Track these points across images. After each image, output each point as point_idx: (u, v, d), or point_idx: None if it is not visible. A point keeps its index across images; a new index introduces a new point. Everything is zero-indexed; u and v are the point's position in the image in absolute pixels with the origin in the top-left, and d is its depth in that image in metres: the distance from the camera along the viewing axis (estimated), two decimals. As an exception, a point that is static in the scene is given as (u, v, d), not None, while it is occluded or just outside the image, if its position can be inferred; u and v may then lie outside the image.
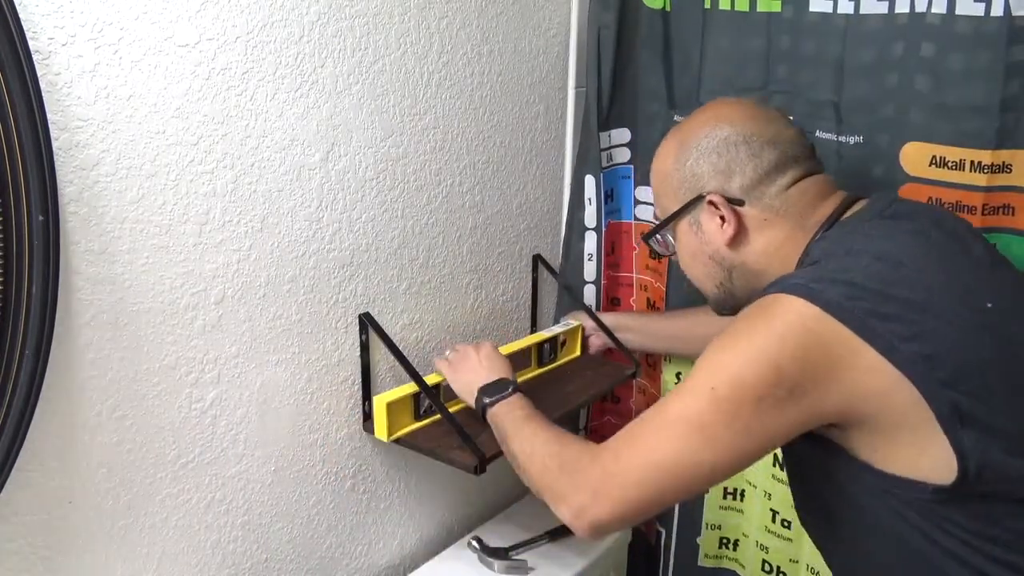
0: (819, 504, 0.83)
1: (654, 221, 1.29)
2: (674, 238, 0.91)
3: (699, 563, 1.29)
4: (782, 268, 0.81)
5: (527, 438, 0.85)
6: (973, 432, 0.66)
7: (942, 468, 0.68)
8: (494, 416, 0.92)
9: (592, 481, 0.74)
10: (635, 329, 1.23)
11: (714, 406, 0.69)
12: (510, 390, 0.94)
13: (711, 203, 0.84)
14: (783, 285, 0.72)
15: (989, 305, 0.71)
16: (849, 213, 0.81)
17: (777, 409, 0.69)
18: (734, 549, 1.28)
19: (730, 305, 0.90)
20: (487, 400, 0.93)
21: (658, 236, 0.92)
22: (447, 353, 1.05)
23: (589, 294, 1.31)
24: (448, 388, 1.06)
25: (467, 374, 0.99)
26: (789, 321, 0.69)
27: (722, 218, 0.83)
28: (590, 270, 1.30)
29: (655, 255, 0.92)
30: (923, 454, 0.68)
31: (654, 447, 0.72)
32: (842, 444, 0.73)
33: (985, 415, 0.67)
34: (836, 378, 0.68)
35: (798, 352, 0.68)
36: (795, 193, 0.83)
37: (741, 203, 0.83)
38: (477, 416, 0.95)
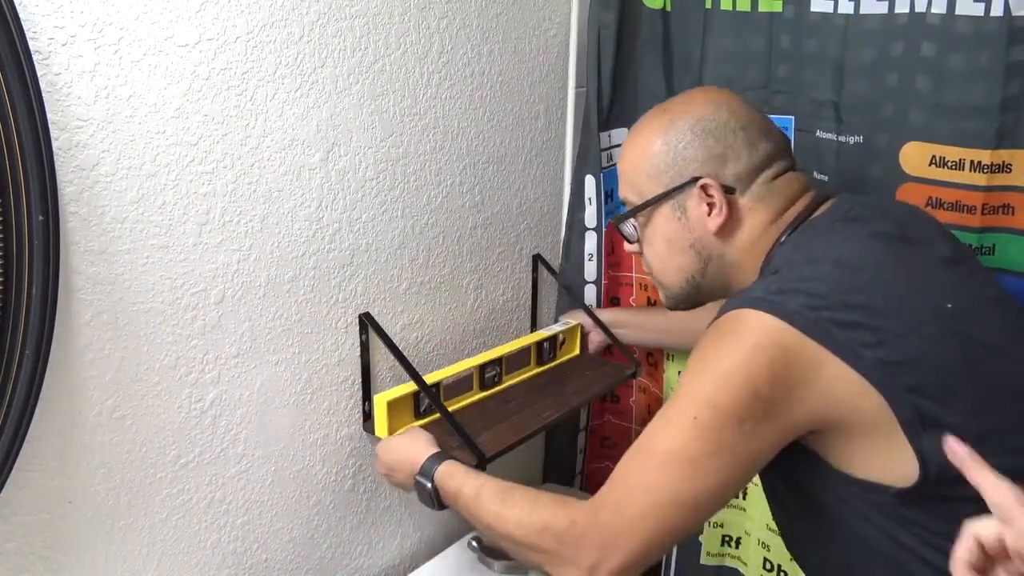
0: (788, 507, 0.83)
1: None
2: (645, 224, 0.87)
3: (701, 561, 1.29)
4: (754, 263, 0.82)
5: (495, 518, 0.78)
6: (934, 435, 0.66)
7: (904, 471, 0.68)
8: (450, 503, 0.86)
9: (597, 540, 0.71)
10: (632, 325, 1.23)
11: (699, 436, 0.69)
12: (432, 470, 0.86)
13: (703, 188, 0.81)
14: (744, 300, 0.72)
15: (949, 306, 0.71)
16: (816, 214, 0.81)
17: (759, 428, 0.69)
18: (736, 547, 1.28)
19: (692, 302, 0.89)
20: (429, 488, 0.86)
21: (633, 220, 0.89)
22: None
23: (590, 294, 1.31)
24: (448, 388, 1.07)
25: (400, 477, 0.92)
26: (755, 338, 0.69)
27: (710, 205, 0.82)
28: (590, 270, 1.30)
29: (626, 240, 0.90)
30: (888, 458, 0.69)
31: (650, 489, 0.70)
32: (814, 449, 0.73)
33: (947, 417, 0.67)
34: (807, 389, 0.68)
35: (768, 368, 0.68)
36: (780, 185, 0.82)
37: (732, 191, 0.81)
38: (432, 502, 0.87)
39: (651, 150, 0.84)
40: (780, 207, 0.82)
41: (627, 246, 0.92)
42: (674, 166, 0.83)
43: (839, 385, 0.68)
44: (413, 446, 0.91)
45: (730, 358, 0.70)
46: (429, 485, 0.86)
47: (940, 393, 0.68)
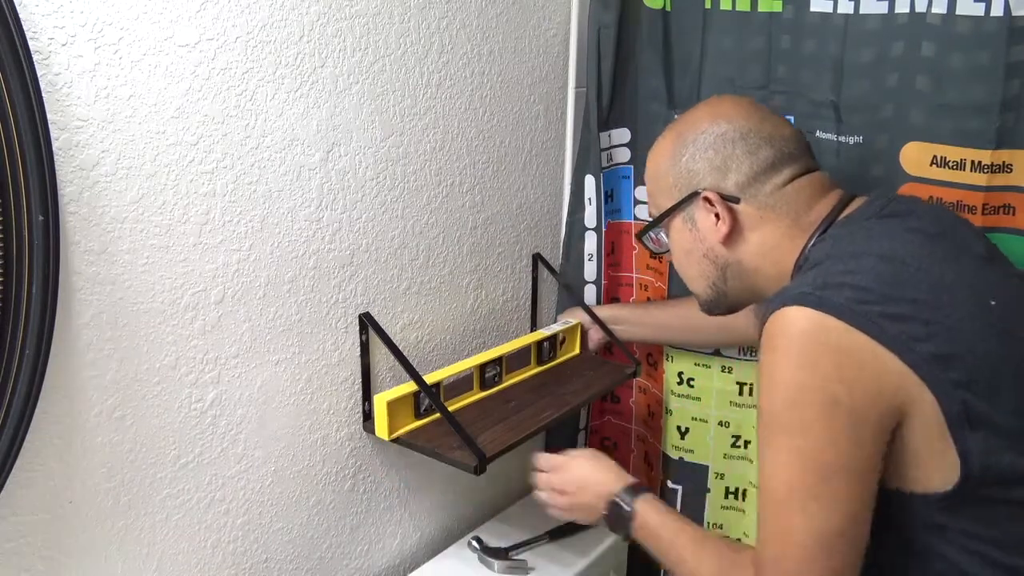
0: None
1: (648, 220, 1.31)
2: (668, 236, 0.90)
3: None
4: (776, 267, 0.81)
5: (693, 564, 0.80)
6: (979, 433, 0.66)
7: (946, 475, 0.67)
8: (638, 537, 0.88)
9: None
10: (630, 320, 1.23)
11: (809, 463, 0.67)
12: (630, 509, 0.87)
13: (706, 199, 0.83)
14: (788, 296, 0.70)
15: (993, 303, 0.70)
16: (847, 212, 0.80)
17: (856, 435, 0.66)
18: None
19: (723, 305, 0.89)
20: (622, 530, 0.89)
21: (652, 234, 0.92)
22: (545, 494, 0.97)
23: (590, 294, 1.31)
24: (448, 387, 1.07)
25: (579, 512, 0.94)
26: (810, 340, 0.67)
27: (717, 215, 0.83)
28: (590, 270, 1.30)
29: (654, 254, 0.91)
30: (930, 465, 0.68)
31: (793, 532, 0.67)
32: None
33: (992, 415, 0.66)
34: (883, 385, 0.66)
35: (838, 372, 0.66)
36: (791, 191, 0.82)
37: (736, 200, 0.82)
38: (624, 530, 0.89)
39: (662, 167, 0.88)
40: (796, 211, 0.81)
41: (665, 255, 0.96)
42: (681, 180, 0.85)
43: (895, 380, 0.66)
44: (604, 473, 0.92)
45: (789, 370, 0.68)
46: (628, 509, 0.87)
47: (987, 389, 0.66)
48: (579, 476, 0.93)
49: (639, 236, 0.94)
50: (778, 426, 0.69)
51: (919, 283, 0.69)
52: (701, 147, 0.83)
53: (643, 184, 1.27)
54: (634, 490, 0.89)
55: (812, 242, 0.79)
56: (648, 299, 1.31)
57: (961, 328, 0.67)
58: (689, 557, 0.80)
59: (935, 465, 0.67)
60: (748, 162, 0.81)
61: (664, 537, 0.84)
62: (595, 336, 1.25)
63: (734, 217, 0.82)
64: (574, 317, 1.26)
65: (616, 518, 0.89)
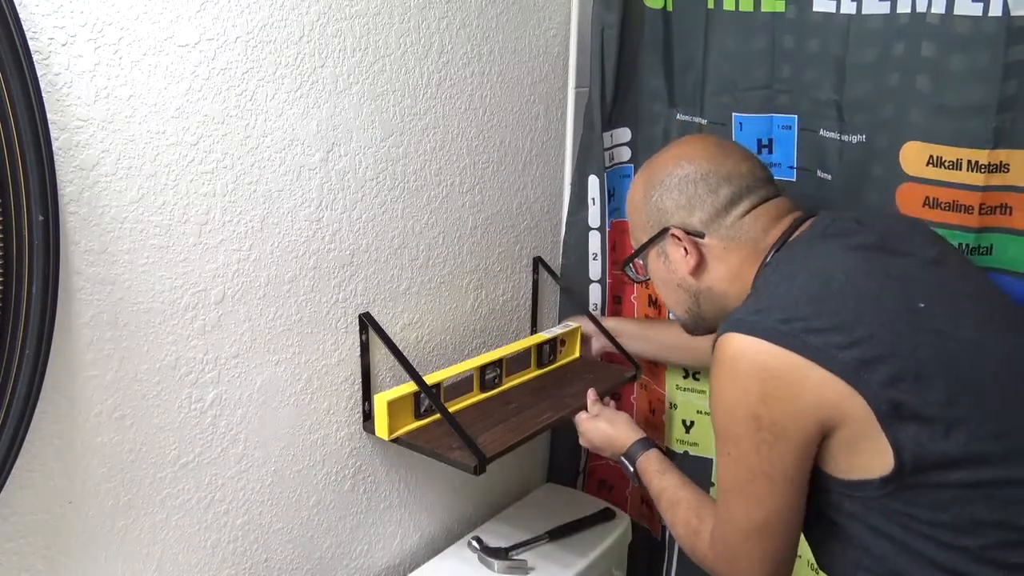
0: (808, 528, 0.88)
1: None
2: (646, 266, 0.98)
3: None
4: (741, 290, 0.88)
5: (668, 521, 0.94)
6: (910, 425, 0.71)
7: (883, 463, 0.72)
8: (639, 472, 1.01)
9: (724, 567, 0.84)
10: (634, 335, 1.24)
11: (738, 469, 0.78)
12: (636, 457, 1.01)
13: (674, 235, 0.91)
14: (727, 323, 0.78)
15: (922, 305, 0.76)
16: (796, 234, 0.86)
17: (777, 448, 0.75)
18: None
19: (702, 327, 0.97)
20: (632, 471, 1.02)
21: (632, 264, 1.00)
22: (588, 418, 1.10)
23: (595, 293, 1.31)
24: (448, 388, 1.07)
25: (606, 446, 1.08)
26: (739, 364, 0.75)
27: (685, 249, 0.90)
28: (595, 269, 1.30)
29: (635, 282, 1.03)
30: (868, 454, 0.73)
31: (732, 520, 0.81)
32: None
33: (922, 408, 0.71)
34: (800, 400, 0.73)
35: (758, 390, 0.74)
36: (749, 221, 0.89)
37: (701, 235, 0.90)
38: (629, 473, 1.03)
39: (637, 204, 0.96)
40: (755, 238, 0.88)
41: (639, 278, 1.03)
42: (653, 217, 0.93)
43: (825, 391, 0.72)
44: (616, 430, 1.06)
45: (726, 390, 0.77)
46: (632, 469, 1.02)
47: (915, 386, 0.72)
48: (600, 436, 1.07)
49: (621, 267, 1.02)
50: (719, 436, 0.80)
51: (844, 296, 0.75)
52: (668, 188, 0.91)
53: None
54: (640, 445, 1.02)
55: (764, 263, 0.87)
56: (649, 296, 1.31)
57: (885, 333, 0.73)
58: (668, 516, 0.93)
59: (872, 455, 0.73)
60: (710, 200, 0.89)
61: (652, 493, 0.98)
62: (596, 345, 1.26)
63: (699, 250, 0.90)
64: (576, 323, 1.26)
65: (626, 472, 1.03)
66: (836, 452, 0.76)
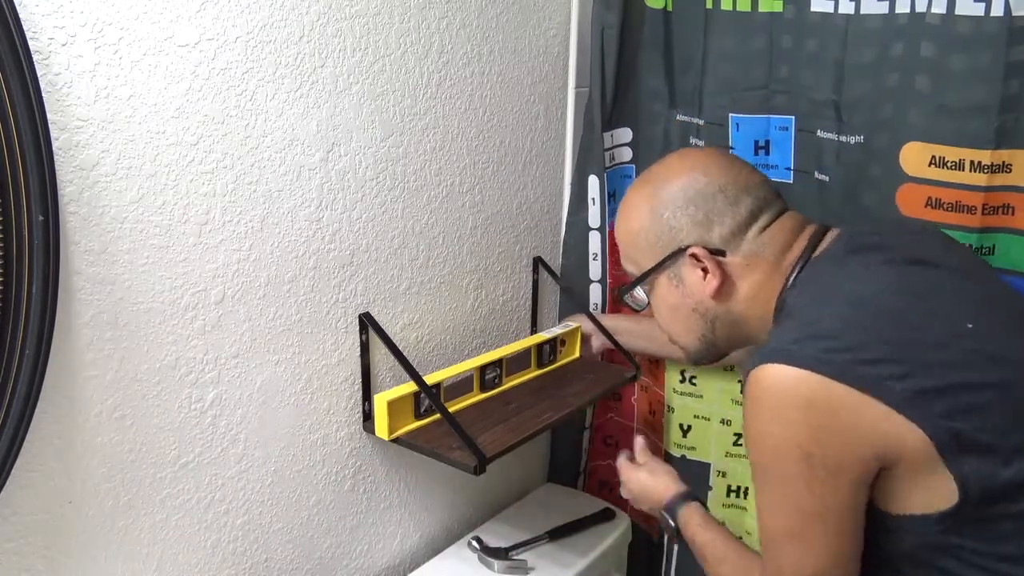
0: None
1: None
2: (649, 293, 0.89)
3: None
4: (761, 311, 0.82)
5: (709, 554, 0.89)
6: (972, 457, 0.66)
7: (945, 496, 0.68)
8: (685, 535, 0.95)
9: None
10: (634, 333, 1.23)
11: (790, 513, 0.72)
12: (676, 511, 0.96)
13: (693, 256, 0.82)
14: (763, 354, 0.72)
15: (969, 326, 0.72)
16: (819, 251, 0.81)
17: (831, 484, 0.69)
18: (735, 549, 1.28)
19: (712, 355, 0.90)
20: (672, 527, 0.97)
21: (633, 292, 0.91)
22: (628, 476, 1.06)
23: (595, 293, 1.31)
24: (448, 388, 1.07)
25: (645, 507, 1.04)
26: (786, 398, 0.69)
27: (703, 270, 0.82)
28: (595, 270, 1.30)
29: (633, 309, 0.95)
30: (929, 489, 0.68)
31: (785, 569, 0.74)
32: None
33: (981, 437, 0.67)
34: (852, 434, 0.68)
35: (813, 428, 0.68)
36: (768, 236, 0.82)
37: (723, 253, 0.82)
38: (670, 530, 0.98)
39: (640, 224, 0.86)
40: (776, 254, 0.82)
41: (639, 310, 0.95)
42: (663, 237, 0.84)
43: (882, 424, 0.67)
44: (657, 481, 1.01)
45: (769, 427, 0.70)
46: (672, 523, 0.96)
47: (973, 414, 0.67)
48: (639, 487, 1.03)
49: (620, 296, 0.93)
50: (763, 476, 0.74)
51: (891, 322, 0.71)
52: (681, 203, 0.83)
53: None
54: (682, 498, 0.96)
55: (788, 284, 0.80)
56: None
57: (937, 360, 0.69)
58: (712, 572, 0.87)
59: (932, 490, 0.68)
60: (730, 214, 0.82)
61: (695, 548, 0.91)
62: (596, 343, 1.25)
63: (722, 270, 0.82)
64: (576, 322, 1.26)
65: (666, 527, 0.98)
66: (892, 488, 0.70)
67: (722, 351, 0.89)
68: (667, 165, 0.88)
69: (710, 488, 1.26)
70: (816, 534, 0.71)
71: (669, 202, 0.83)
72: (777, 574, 0.75)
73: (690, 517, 0.93)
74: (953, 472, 0.66)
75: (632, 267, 0.90)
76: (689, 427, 1.26)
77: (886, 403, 0.66)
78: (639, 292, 0.90)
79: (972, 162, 0.97)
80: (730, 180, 0.82)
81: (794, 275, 0.80)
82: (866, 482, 0.70)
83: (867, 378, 0.67)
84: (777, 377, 0.69)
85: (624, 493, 1.06)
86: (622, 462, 1.07)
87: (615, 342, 1.22)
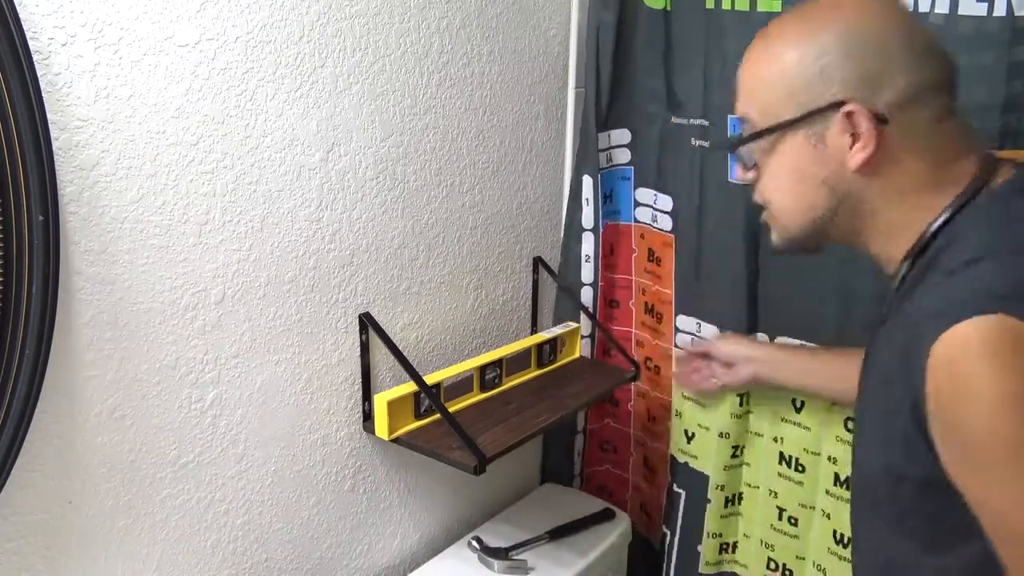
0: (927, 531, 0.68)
1: (650, 223, 1.28)
2: (768, 150, 0.72)
3: (700, 570, 1.28)
4: (906, 216, 0.68)
5: None
6: None
7: None
8: None
9: None
10: (822, 374, 1.03)
11: None
12: None
13: (850, 114, 0.66)
14: (978, 300, 0.57)
15: None
16: (998, 181, 0.66)
17: None
18: (733, 552, 1.28)
19: (808, 247, 0.75)
20: None
21: (749, 147, 0.74)
22: None
23: (586, 296, 1.31)
24: (448, 388, 1.07)
25: None
26: (1015, 350, 0.54)
27: (854, 136, 0.67)
28: (587, 272, 1.30)
29: (744, 166, 0.76)
30: None
31: None
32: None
33: None
34: None
35: None
36: (945, 130, 0.67)
37: (885, 122, 0.66)
38: None
39: (786, 63, 0.69)
40: (941, 157, 0.67)
41: (741, 174, 0.78)
42: (814, 86, 0.67)
43: None
44: None
45: (1012, 386, 0.55)
46: None
47: None
48: None
49: (732, 148, 0.77)
50: (996, 456, 0.56)
51: None
52: (856, 47, 0.66)
53: (643, 186, 1.28)
54: None
55: (950, 210, 0.66)
56: (646, 304, 1.31)
57: None
58: None
59: None
60: (908, 78, 0.65)
61: None
62: (745, 372, 1.07)
63: (878, 142, 0.66)
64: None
65: None
66: None
67: (822, 244, 0.74)
68: (835, 1, 0.70)
69: (709, 501, 1.25)
70: None
71: (833, 46, 0.67)
72: None
73: None
74: None
75: (755, 114, 0.72)
76: (693, 435, 1.26)
77: None
78: (749, 149, 0.74)
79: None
80: (917, 36, 0.66)
81: (965, 198, 0.65)
82: None
83: None
84: (1002, 328, 0.55)
85: None
86: None
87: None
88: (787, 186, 0.72)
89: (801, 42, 0.68)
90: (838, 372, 0.98)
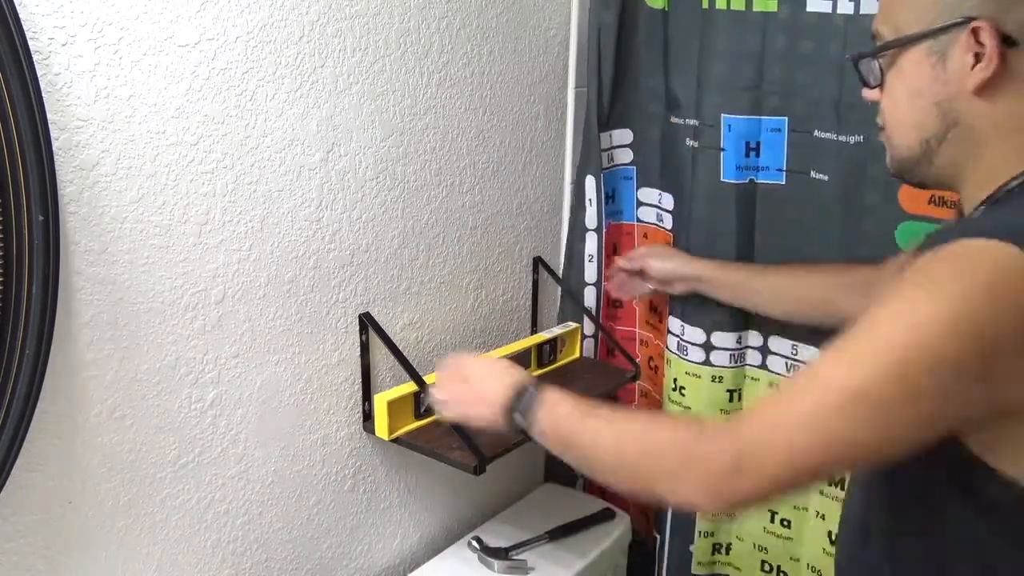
0: (889, 482, 0.72)
1: (655, 222, 1.28)
2: (890, 65, 0.72)
3: (692, 571, 1.28)
4: (1001, 157, 0.67)
5: (613, 432, 0.72)
6: None
7: None
8: (542, 427, 0.77)
9: (731, 460, 0.62)
10: (737, 286, 1.11)
11: (897, 379, 0.57)
12: (537, 392, 0.78)
13: (975, 32, 0.64)
14: (988, 229, 0.58)
15: None
16: None
17: (970, 388, 0.57)
18: (727, 554, 1.28)
19: (918, 173, 0.73)
20: (522, 418, 0.78)
21: (876, 60, 0.73)
22: (435, 392, 0.89)
23: (590, 296, 1.31)
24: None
25: (476, 403, 0.84)
26: (1002, 276, 0.56)
27: (977, 56, 0.65)
28: (591, 272, 1.30)
29: (866, 83, 0.75)
30: None
31: (815, 426, 0.60)
32: (962, 431, 0.62)
33: None
34: None
35: (1011, 321, 0.56)
36: None
37: (1014, 44, 0.64)
38: (516, 433, 0.81)
39: None
40: None
41: (865, 92, 0.77)
42: (947, 3, 0.67)
43: None
44: (508, 366, 0.84)
45: (964, 297, 0.56)
46: (536, 392, 0.77)
47: None
48: (482, 367, 0.86)
49: (855, 59, 0.76)
50: (895, 331, 0.59)
51: None
52: None
53: (645, 186, 1.28)
54: (540, 380, 0.81)
55: None
56: (650, 303, 1.31)
57: None
58: (615, 423, 0.72)
59: None
60: None
61: (580, 411, 0.75)
62: (680, 288, 1.15)
63: (1002, 64, 0.64)
64: (669, 262, 1.17)
65: (520, 405, 0.78)
66: (1006, 436, 0.60)
67: (928, 173, 0.73)
68: None
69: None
70: (901, 417, 0.58)
71: None
72: (797, 424, 0.60)
73: (556, 407, 0.76)
74: None
75: (887, 30, 0.72)
76: None
77: None
78: (876, 65, 0.73)
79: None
80: None
81: None
82: (987, 409, 0.59)
83: None
84: (998, 258, 0.56)
85: (437, 397, 0.87)
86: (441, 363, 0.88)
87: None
88: (902, 103, 0.72)
89: None
90: (778, 291, 1.06)
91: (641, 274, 1.19)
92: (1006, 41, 0.64)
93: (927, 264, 0.60)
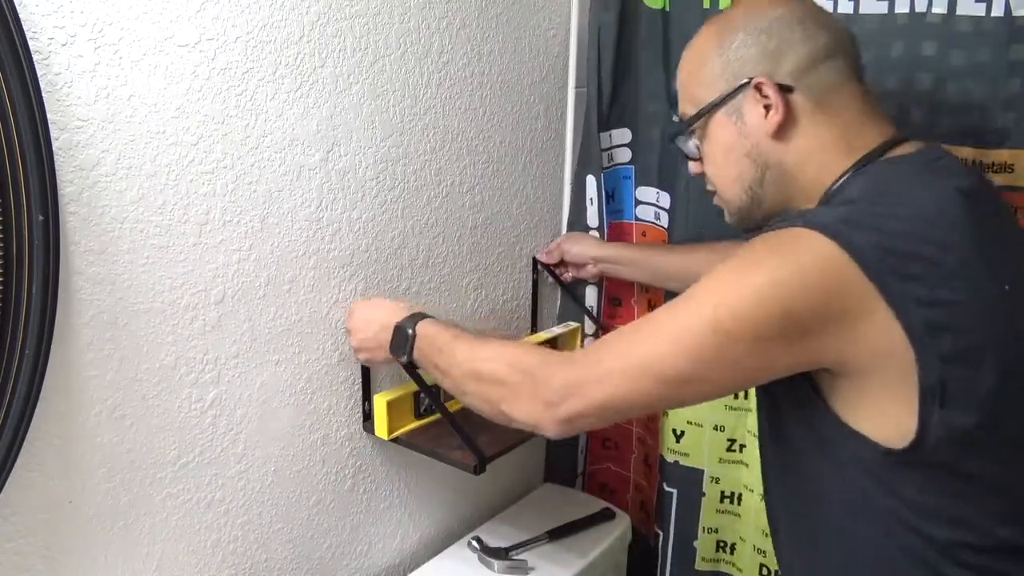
0: (776, 443, 0.81)
1: (653, 220, 1.29)
2: (702, 139, 0.83)
3: (696, 567, 1.28)
4: (814, 177, 0.77)
5: (466, 354, 0.83)
6: (946, 411, 0.65)
7: (900, 433, 0.66)
8: (420, 362, 0.89)
9: (563, 380, 0.73)
10: (638, 264, 1.20)
11: (708, 335, 0.67)
12: (412, 330, 0.89)
13: (758, 87, 0.76)
14: (808, 220, 0.67)
15: (1007, 288, 0.68)
16: (897, 152, 0.75)
17: (775, 350, 0.67)
18: (731, 553, 1.28)
19: (756, 216, 0.83)
20: (405, 357, 0.90)
21: (686, 135, 0.84)
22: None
23: (591, 295, 1.31)
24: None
25: (373, 349, 0.95)
26: (811, 261, 0.65)
27: (767, 107, 0.77)
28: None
29: (690, 158, 0.86)
30: (889, 417, 0.67)
31: (638, 353, 0.71)
32: (818, 385, 0.71)
33: (965, 396, 0.65)
34: (845, 328, 0.65)
35: (816, 295, 0.65)
36: (847, 95, 0.77)
37: (791, 89, 0.76)
38: (403, 362, 0.92)
39: (705, 57, 0.81)
40: (847, 122, 0.76)
41: (691, 166, 0.88)
42: (727, 69, 0.79)
43: (879, 335, 0.64)
44: (387, 306, 0.96)
45: (777, 272, 0.66)
46: (410, 331, 0.89)
47: (969, 370, 0.65)
48: (364, 313, 0.97)
49: (671, 138, 0.87)
50: (716, 292, 0.69)
51: (943, 247, 0.66)
52: (754, 32, 0.77)
53: (644, 185, 1.28)
54: (421, 315, 0.92)
55: (851, 172, 0.75)
56: (649, 302, 1.31)
57: (967, 303, 0.65)
58: (471, 347, 0.83)
59: (892, 418, 0.67)
60: (806, 47, 0.76)
61: (445, 338, 0.86)
62: (592, 270, 1.24)
63: (787, 108, 0.76)
64: (579, 245, 1.24)
65: (397, 340, 0.91)
66: (852, 396, 0.68)
67: (765, 212, 0.82)
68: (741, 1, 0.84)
69: (703, 494, 1.25)
70: (711, 368, 0.68)
71: (740, 30, 0.78)
72: (623, 350, 0.72)
73: (426, 341, 0.87)
74: (921, 415, 0.65)
75: (690, 108, 0.84)
76: (682, 432, 1.26)
77: (899, 322, 0.64)
78: (692, 143, 0.84)
79: (973, 162, 0.97)
80: (811, 15, 0.77)
81: (858, 166, 0.75)
82: (795, 368, 0.69)
83: (895, 291, 0.64)
84: (819, 247, 0.65)
85: (351, 330, 0.98)
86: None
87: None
88: (720, 162, 0.83)
89: (716, 37, 0.81)
90: (678, 267, 1.14)
91: (562, 262, 1.28)
92: (784, 89, 0.76)
93: (758, 242, 0.70)
